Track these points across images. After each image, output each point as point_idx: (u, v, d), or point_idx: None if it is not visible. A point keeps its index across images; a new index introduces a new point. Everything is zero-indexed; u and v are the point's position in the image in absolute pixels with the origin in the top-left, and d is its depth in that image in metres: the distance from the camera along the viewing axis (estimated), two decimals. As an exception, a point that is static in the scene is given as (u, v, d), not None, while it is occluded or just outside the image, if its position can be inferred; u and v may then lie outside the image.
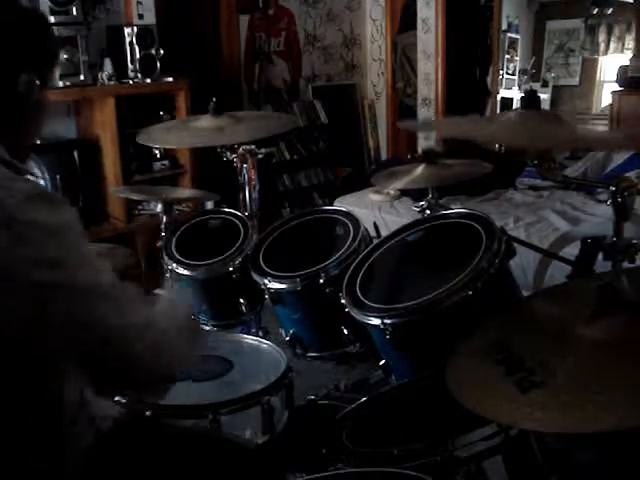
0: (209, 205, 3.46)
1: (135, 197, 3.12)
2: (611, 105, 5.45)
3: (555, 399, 1.07)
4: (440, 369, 1.27)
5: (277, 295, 2.05)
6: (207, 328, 2.35)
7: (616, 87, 5.41)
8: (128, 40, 3.88)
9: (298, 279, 2.00)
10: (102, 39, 3.98)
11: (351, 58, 5.72)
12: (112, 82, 3.84)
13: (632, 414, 1.01)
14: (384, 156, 5.86)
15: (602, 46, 6.35)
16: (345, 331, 2.01)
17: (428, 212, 2.22)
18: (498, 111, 5.90)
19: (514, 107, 6.19)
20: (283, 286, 2.02)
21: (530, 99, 1.63)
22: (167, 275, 2.34)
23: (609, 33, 6.29)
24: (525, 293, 1.89)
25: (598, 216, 3.74)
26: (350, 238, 2.06)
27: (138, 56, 3.91)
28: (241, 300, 2.29)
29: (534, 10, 6.81)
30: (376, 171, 3.32)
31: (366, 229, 2.12)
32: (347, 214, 2.19)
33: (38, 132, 1.23)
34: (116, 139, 3.82)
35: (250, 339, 2.04)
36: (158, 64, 3.99)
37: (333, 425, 1.52)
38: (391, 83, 5.79)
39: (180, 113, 4.10)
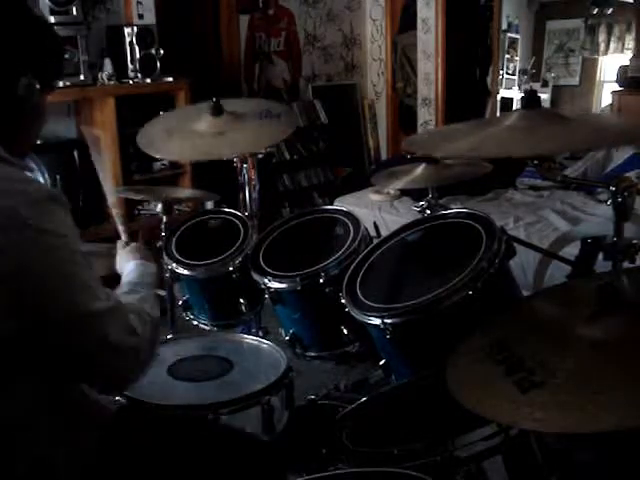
0: (209, 205, 3.46)
1: (135, 197, 3.12)
2: (611, 105, 5.45)
3: (555, 399, 1.07)
4: (440, 369, 1.27)
5: (277, 295, 2.05)
6: (207, 328, 2.35)
7: (616, 87, 5.42)
8: (128, 40, 3.87)
9: (298, 279, 2.00)
10: (102, 39, 3.98)
11: (351, 58, 5.72)
12: (112, 82, 3.84)
13: (632, 414, 1.01)
14: (384, 156, 5.86)
15: (602, 46, 6.35)
16: (345, 331, 2.01)
17: (428, 212, 2.22)
18: (498, 111, 5.90)
19: (514, 107, 6.20)
20: (283, 286, 2.02)
21: (530, 99, 1.63)
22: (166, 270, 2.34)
23: (609, 33, 6.29)
24: (525, 293, 1.89)
25: (598, 216, 3.73)
26: (350, 238, 2.06)
27: (138, 56, 3.91)
28: (241, 300, 2.29)
29: (534, 10, 6.81)
30: (376, 171, 3.32)
31: (366, 229, 2.12)
32: (347, 214, 2.19)
33: (37, 135, 1.24)
34: (116, 139, 3.82)
35: (250, 339, 2.04)
36: (158, 64, 3.99)
37: (333, 425, 1.52)
38: (391, 83, 5.79)
39: (180, 113, 4.09)
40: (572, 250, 2.14)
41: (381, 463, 1.34)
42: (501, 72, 6.26)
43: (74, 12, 3.64)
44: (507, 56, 6.56)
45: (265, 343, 1.99)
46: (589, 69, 6.68)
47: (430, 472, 1.25)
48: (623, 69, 5.35)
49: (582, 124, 1.68)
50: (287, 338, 2.12)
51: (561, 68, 6.80)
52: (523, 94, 1.67)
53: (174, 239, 2.40)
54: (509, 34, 6.50)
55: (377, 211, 4.30)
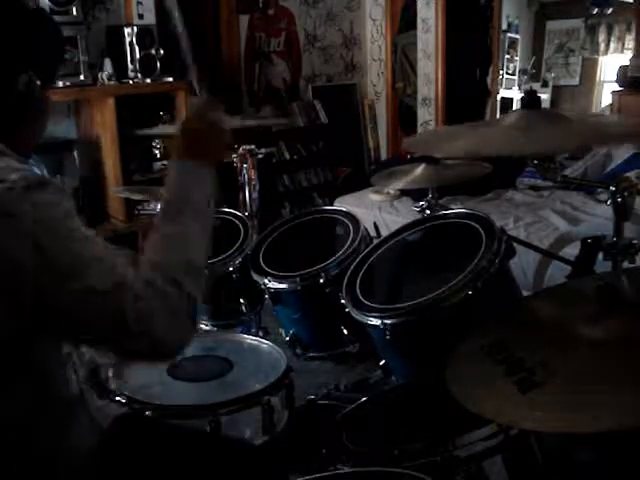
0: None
1: (135, 197, 3.12)
2: (611, 105, 5.45)
3: (555, 399, 1.07)
4: (440, 369, 1.27)
5: (277, 295, 2.05)
6: (207, 328, 2.35)
7: (616, 87, 5.41)
8: (128, 40, 3.88)
9: (298, 279, 2.00)
10: (102, 39, 3.99)
11: (351, 58, 5.72)
12: (112, 82, 3.84)
13: (632, 414, 1.01)
14: (384, 156, 5.86)
15: (602, 46, 6.36)
16: (345, 331, 2.01)
17: (428, 212, 2.22)
18: (498, 111, 5.90)
19: (514, 107, 6.20)
20: (283, 286, 2.02)
21: (530, 99, 1.63)
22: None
23: (609, 33, 6.29)
24: (525, 293, 1.89)
25: (598, 216, 3.73)
26: (350, 238, 2.06)
27: (138, 56, 3.91)
28: (241, 300, 2.30)
29: (534, 10, 6.82)
30: (376, 171, 3.32)
31: (366, 229, 2.12)
32: (347, 214, 2.19)
33: (41, 132, 1.22)
34: (116, 139, 3.82)
35: (250, 339, 2.04)
36: (158, 64, 3.99)
37: (333, 425, 1.52)
38: (391, 83, 5.79)
39: (180, 113, 4.09)
40: (572, 250, 2.14)
41: (381, 463, 1.34)
42: (501, 72, 6.27)
43: (74, 12, 3.64)
44: (507, 56, 6.56)
45: (265, 343, 1.99)
46: (589, 69, 6.68)
47: (430, 472, 1.25)
48: (623, 69, 5.35)
49: (582, 124, 1.68)
50: (287, 338, 2.12)
51: (561, 68, 6.81)
52: (523, 94, 1.67)
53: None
54: (509, 34, 6.51)
55: (377, 211, 4.30)
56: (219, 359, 1.89)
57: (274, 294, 2.05)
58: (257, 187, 2.53)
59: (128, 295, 1.02)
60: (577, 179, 4.25)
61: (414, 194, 3.81)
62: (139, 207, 4.02)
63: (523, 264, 3.12)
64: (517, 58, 6.71)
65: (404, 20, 5.70)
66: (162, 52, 3.96)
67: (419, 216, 2.19)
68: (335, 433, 1.48)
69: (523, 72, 6.78)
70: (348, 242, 2.05)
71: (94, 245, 1.05)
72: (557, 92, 6.86)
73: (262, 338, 2.08)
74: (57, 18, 3.57)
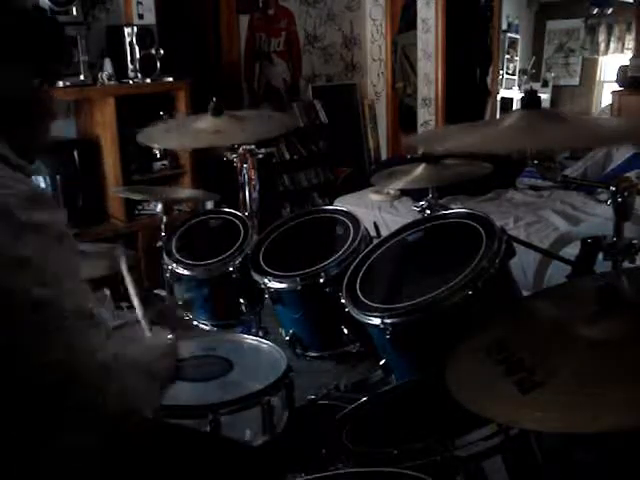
0: (209, 205, 3.46)
1: (135, 197, 3.12)
2: (611, 105, 5.45)
3: (555, 399, 1.07)
4: (440, 369, 1.27)
5: (277, 295, 2.05)
6: (207, 328, 2.35)
7: (616, 87, 5.42)
8: (128, 40, 3.87)
9: (298, 279, 2.00)
10: (102, 39, 3.98)
11: (351, 58, 5.72)
12: (112, 82, 3.84)
13: (632, 414, 1.01)
14: (384, 156, 5.86)
15: (602, 46, 6.36)
16: (345, 331, 2.01)
17: (428, 212, 2.22)
18: (498, 111, 5.90)
19: (514, 107, 6.20)
20: (283, 286, 2.02)
21: (530, 99, 1.63)
22: (166, 274, 2.34)
23: (609, 33, 6.30)
24: (525, 293, 1.89)
25: (598, 216, 3.74)
26: (350, 238, 2.06)
27: (138, 56, 3.91)
28: (241, 300, 2.29)
29: (534, 10, 6.82)
30: (376, 171, 3.33)
31: (366, 229, 2.12)
32: (347, 214, 2.19)
33: (44, 132, 1.21)
34: (116, 139, 3.82)
35: (250, 339, 2.04)
36: (158, 64, 3.99)
37: (333, 425, 1.52)
38: (391, 83, 5.80)
39: (180, 113, 4.09)
40: (572, 250, 2.14)
41: (381, 463, 1.34)
42: (501, 72, 6.28)
43: (74, 12, 3.64)
44: (507, 56, 6.57)
45: (265, 343, 1.99)
46: (589, 69, 6.69)
47: (430, 472, 1.25)
48: (623, 69, 5.35)
49: (581, 124, 1.68)
50: (287, 338, 2.12)
51: (561, 68, 6.81)
52: (523, 94, 1.67)
53: (174, 239, 2.40)
54: (509, 34, 6.51)
55: (377, 211, 4.30)
56: (219, 359, 1.89)
57: (274, 294, 2.05)
58: (257, 187, 2.53)
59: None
60: (577, 179, 4.25)
61: (414, 194, 3.81)
62: (139, 207, 4.03)
63: (523, 264, 3.12)
64: (517, 58, 6.72)
65: (404, 20, 5.71)
66: (162, 52, 3.96)
67: (419, 216, 2.19)
68: (335, 433, 1.48)
69: (523, 72, 6.78)
70: (348, 242, 2.05)
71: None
72: (557, 92, 6.87)
73: (262, 338, 2.08)
74: (57, 18, 3.57)
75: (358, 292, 1.76)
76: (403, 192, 4.37)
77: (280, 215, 4.68)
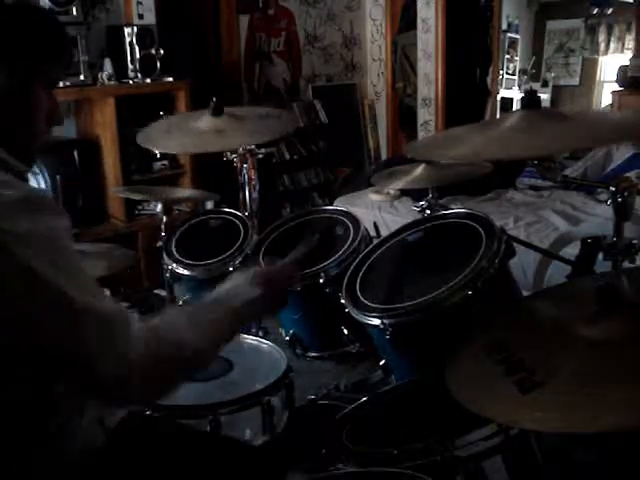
0: (209, 205, 3.46)
1: (135, 197, 3.12)
2: (611, 105, 5.46)
3: (555, 399, 1.07)
4: (440, 369, 1.27)
5: (277, 295, 2.04)
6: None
7: (616, 87, 5.42)
8: (128, 40, 3.88)
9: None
10: (102, 39, 3.99)
11: (351, 58, 5.72)
12: (112, 82, 3.84)
13: (632, 414, 1.01)
14: (384, 156, 5.86)
15: (602, 46, 6.36)
16: (345, 331, 2.01)
17: (428, 212, 2.22)
18: (498, 111, 5.90)
19: (514, 107, 6.20)
20: (283, 286, 2.02)
21: (530, 99, 1.63)
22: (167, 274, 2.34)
23: (609, 33, 6.30)
24: (525, 293, 1.89)
25: (598, 216, 3.73)
26: (350, 238, 2.06)
27: (138, 56, 3.91)
28: (241, 300, 2.29)
29: (534, 10, 6.82)
30: (376, 171, 3.33)
31: (366, 229, 2.12)
32: (347, 214, 2.19)
33: (38, 133, 1.19)
34: (116, 139, 3.82)
35: (250, 339, 2.04)
36: (158, 64, 3.99)
37: (333, 425, 1.52)
38: (391, 83, 5.80)
39: (180, 113, 4.09)
40: (572, 250, 2.14)
41: (381, 463, 1.34)
42: (501, 72, 6.27)
43: (74, 12, 3.64)
44: (507, 56, 6.57)
45: (265, 343, 1.99)
46: (589, 69, 6.69)
47: (430, 472, 1.25)
48: (623, 69, 5.35)
49: (582, 121, 1.67)
50: (287, 338, 2.12)
51: (561, 68, 6.81)
52: (523, 94, 1.67)
53: (174, 239, 2.40)
54: (509, 34, 6.51)
55: (377, 211, 4.30)
56: (219, 359, 1.89)
57: (274, 294, 2.04)
58: (257, 187, 2.53)
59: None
60: (577, 179, 4.25)
61: (414, 194, 3.81)
62: (139, 207, 4.03)
63: (523, 264, 3.12)
64: (517, 58, 6.72)
65: (404, 20, 5.71)
66: (162, 52, 3.96)
67: (419, 216, 2.19)
68: (335, 433, 1.48)
69: (523, 72, 6.78)
70: (348, 242, 2.05)
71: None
72: (557, 92, 6.87)
73: (262, 338, 2.08)
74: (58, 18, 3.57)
75: (358, 292, 1.76)
76: (403, 192, 4.37)
77: (280, 215, 4.68)
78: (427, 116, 5.62)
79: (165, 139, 2.38)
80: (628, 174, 3.65)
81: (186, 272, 2.28)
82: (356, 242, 2.03)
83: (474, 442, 1.32)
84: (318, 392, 2.25)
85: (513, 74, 6.70)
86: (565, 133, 1.52)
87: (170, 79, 4.06)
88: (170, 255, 2.34)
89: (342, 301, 1.77)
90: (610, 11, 6.16)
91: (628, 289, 1.25)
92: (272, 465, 1.49)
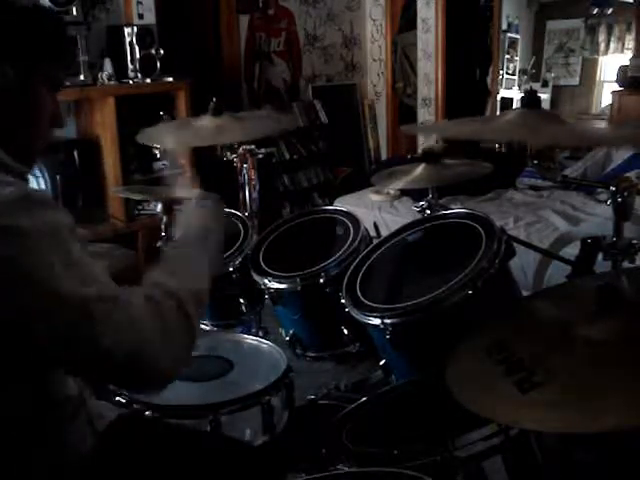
0: (209, 205, 3.45)
1: (135, 197, 3.12)
2: (611, 105, 5.45)
3: (555, 399, 1.07)
4: (440, 369, 1.27)
5: (277, 295, 2.05)
6: (207, 328, 2.35)
7: (616, 87, 5.41)
8: (128, 40, 3.87)
9: (298, 279, 2.00)
10: (102, 39, 3.98)
11: (351, 58, 5.72)
12: (112, 82, 3.84)
13: (632, 414, 1.01)
14: (384, 156, 5.86)
15: (602, 46, 6.35)
16: (345, 331, 2.01)
17: (428, 212, 2.22)
18: (498, 111, 5.90)
19: (514, 107, 6.19)
20: (283, 286, 2.02)
21: (530, 99, 1.63)
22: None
23: (609, 33, 6.29)
24: (525, 293, 1.90)
25: (598, 216, 3.73)
26: (350, 238, 2.06)
27: (138, 56, 3.91)
28: (241, 300, 2.29)
29: (534, 10, 6.81)
30: (376, 171, 3.33)
31: (366, 229, 2.12)
32: (347, 214, 2.19)
33: (39, 135, 1.17)
34: (116, 139, 3.82)
35: (250, 339, 2.04)
36: (158, 64, 3.99)
37: (333, 425, 1.52)
38: (391, 83, 5.80)
39: (180, 113, 4.09)
40: (572, 250, 2.14)
41: (381, 463, 1.34)
42: (501, 72, 6.26)
43: (74, 12, 3.64)
44: (507, 56, 6.55)
45: (265, 343, 1.99)
46: (589, 69, 6.68)
47: (430, 472, 1.25)
48: (623, 69, 5.35)
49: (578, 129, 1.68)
50: (287, 338, 2.12)
51: (561, 68, 6.80)
52: (523, 94, 1.67)
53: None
54: (509, 34, 6.50)
55: (377, 211, 4.30)
56: (219, 359, 1.89)
57: (274, 294, 2.05)
58: (257, 187, 2.53)
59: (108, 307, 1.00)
60: (577, 179, 4.25)
61: (414, 194, 3.80)
62: (139, 207, 4.02)
63: (523, 264, 3.12)
64: (517, 58, 6.71)
65: (404, 20, 5.71)
66: (162, 52, 3.96)
67: (419, 216, 2.19)
68: (335, 433, 1.48)
69: (523, 72, 6.77)
70: (348, 242, 2.05)
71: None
72: (557, 92, 6.86)
73: (262, 338, 2.08)
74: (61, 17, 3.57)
75: (358, 292, 1.76)
76: (403, 192, 4.37)
77: (280, 215, 4.68)
78: (427, 116, 5.61)
79: (165, 137, 2.39)
80: (628, 174, 3.65)
81: (186, 272, 2.27)
82: (356, 242, 2.03)
83: (474, 442, 1.32)
84: (318, 392, 2.25)
85: (513, 74, 6.69)
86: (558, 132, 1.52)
87: (170, 79, 4.06)
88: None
89: (342, 301, 1.77)
90: (610, 11, 6.15)
91: (628, 289, 1.25)
92: (272, 465, 1.49)
